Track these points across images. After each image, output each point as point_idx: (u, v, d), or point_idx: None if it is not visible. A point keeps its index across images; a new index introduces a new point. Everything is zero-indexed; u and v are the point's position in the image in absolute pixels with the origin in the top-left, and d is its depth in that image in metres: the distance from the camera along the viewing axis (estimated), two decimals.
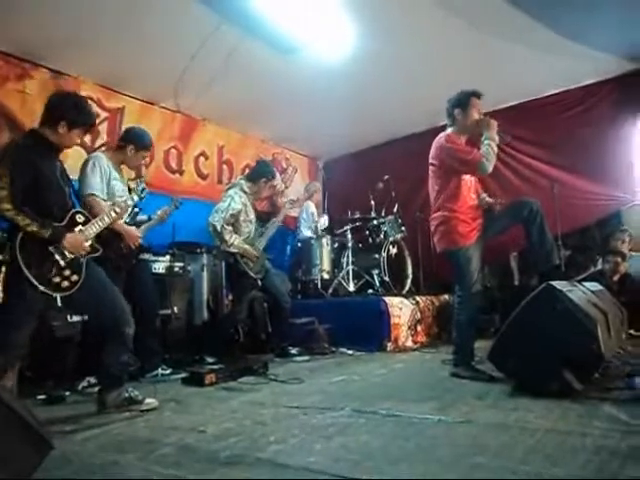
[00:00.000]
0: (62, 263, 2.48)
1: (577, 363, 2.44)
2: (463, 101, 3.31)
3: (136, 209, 3.66)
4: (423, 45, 4.74)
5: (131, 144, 3.68)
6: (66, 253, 2.50)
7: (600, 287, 3.51)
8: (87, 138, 4.97)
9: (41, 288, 2.38)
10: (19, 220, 2.34)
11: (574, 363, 2.44)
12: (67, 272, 2.50)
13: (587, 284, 3.29)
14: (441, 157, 3.30)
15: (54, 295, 2.44)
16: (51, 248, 2.45)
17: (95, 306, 2.71)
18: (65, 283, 2.49)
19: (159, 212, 3.87)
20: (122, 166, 3.75)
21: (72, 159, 4.12)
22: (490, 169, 3.17)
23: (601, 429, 1.94)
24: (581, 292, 2.85)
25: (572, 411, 2.23)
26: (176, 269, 4.68)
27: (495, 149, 3.16)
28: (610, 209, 5.50)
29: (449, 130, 3.39)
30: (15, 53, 4.46)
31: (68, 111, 2.60)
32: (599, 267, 5.31)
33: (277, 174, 5.18)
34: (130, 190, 3.61)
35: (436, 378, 3.29)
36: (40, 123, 2.63)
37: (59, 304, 2.46)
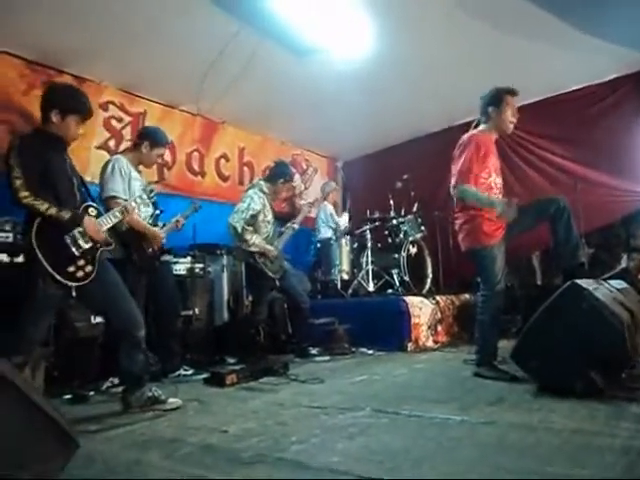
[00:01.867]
0: (77, 253, 2.49)
1: (604, 363, 2.40)
2: (498, 98, 3.25)
3: (157, 211, 3.70)
4: (442, 44, 4.72)
5: (145, 141, 3.73)
6: (80, 243, 2.51)
7: (625, 285, 3.43)
8: (112, 142, 5.08)
9: (56, 276, 2.39)
10: (38, 205, 2.36)
11: (600, 363, 2.39)
12: (81, 262, 2.51)
13: (612, 282, 3.23)
14: (458, 153, 3.27)
15: (69, 284, 2.45)
16: (66, 237, 2.47)
17: (105, 306, 2.73)
18: (80, 273, 2.50)
19: (174, 219, 3.87)
20: (141, 167, 3.80)
21: (95, 164, 4.20)
22: (462, 199, 3.18)
23: (629, 430, 1.89)
24: (607, 290, 2.79)
25: (598, 411, 2.18)
26: (197, 270, 4.73)
27: (491, 208, 3.12)
28: (635, 206, 5.38)
29: (480, 127, 3.35)
30: (40, 61, 4.56)
31: (57, 99, 2.61)
32: (623, 265, 5.20)
33: (296, 175, 5.18)
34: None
35: (458, 378, 3.26)
36: (40, 119, 2.64)
37: (73, 294, 2.47)
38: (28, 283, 2.47)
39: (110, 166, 3.55)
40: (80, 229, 2.51)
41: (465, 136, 3.30)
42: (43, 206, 2.37)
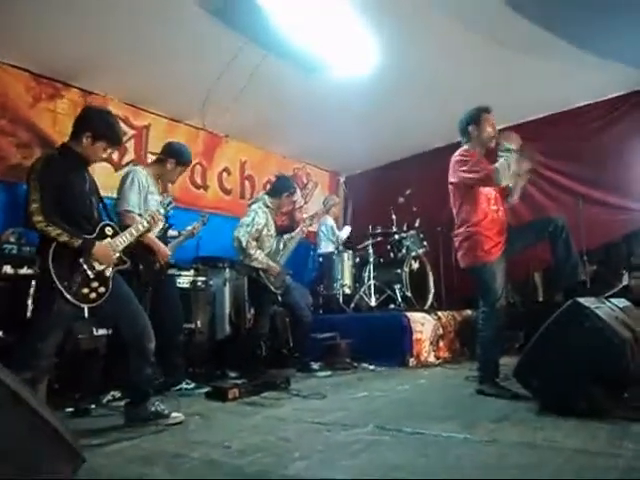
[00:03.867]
0: (91, 275, 2.53)
1: (606, 382, 2.40)
2: (475, 117, 3.35)
3: (166, 224, 3.71)
4: (444, 61, 4.77)
5: (172, 158, 3.75)
6: (95, 265, 2.55)
7: (627, 303, 3.44)
8: (115, 155, 5.11)
9: (70, 299, 2.43)
10: (50, 231, 2.40)
11: (603, 382, 2.40)
12: (95, 284, 2.55)
13: (614, 300, 3.24)
14: (457, 173, 3.32)
15: (82, 306, 2.49)
16: (81, 260, 2.51)
17: (118, 320, 2.75)
18: (93, 295, 2.54)
19: (188, 228, 3.91)
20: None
21: (100, 176, 4.22)
22: (504, 181, 3.18)
23: (632, 450, 1.89)
24: (608, 309, 2.80)
25: (601, 431, 2.19)
26: (199, 284, 4.74)
27: (511, 162, 3.14)
28: (637, 224, 5.40)
29: (465, 147, 3.41)
30: (47, 74, 4.62)
31: (93, 123, 2.67)
32: (625, 282, 5.21)
33: (297, 189, 5.21)
34: None
35: (460, 395, 3.26)
36: (69, 137, 2.71)
37: (86, 315, 2.53)
38: (41, 300, 2.51)
39: (129, 179, 3.55)
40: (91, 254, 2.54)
41: (456, 156, 3.36)
42: (55, 232, 2.41)
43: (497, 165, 3.14)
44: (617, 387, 2.48)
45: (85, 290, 2.51)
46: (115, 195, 3.66)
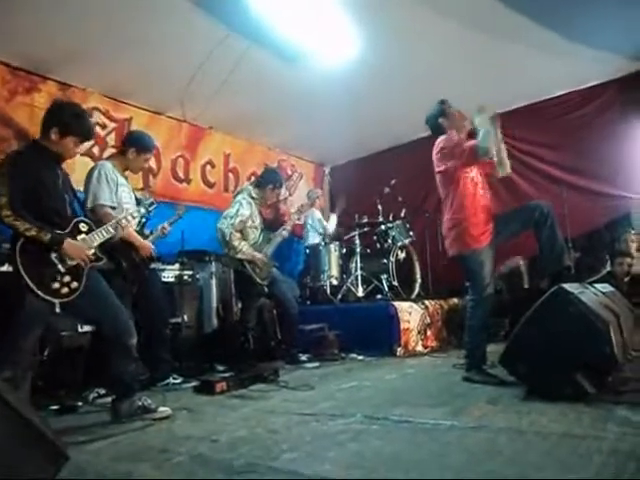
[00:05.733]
0: (62, 269, 2.48)
1: (590, 366, 2.43)
2: (441, 110, 3.43)
3: (143, 219, 3.65)
4: (426, 50, 4.76)
5: (132, 147, 3.67)
6: (66, 259, 2.50)
7: (611, 288, 3.49)
8: (95, 149, 5.03)
9: (40, 294, 2.38)
10: (18, 225, 2.35)
11: (587, 366, 2.42)
12: (67, 279, 2.49)
13: (598, 285, 3.27)
14: (441, 158, 3.32)
15: (53, 301, 2.43)
16: (52, 254, 2.46)
17: (96, 316, 2.70)
18: (64, 289, 2.48)
19: (160, 226, 3.83)
20: (127, 172, 3.74)
21: (80, 171, 4.15)
22: (490, 151, 3.17)
23: (616, 433, 1.92)
24: (593, 294, 2.83)
25: (586, 415, 2.21)
26: (185, 277, 4.69)
27: (490, 129, 3.15)
28: (619, 210, 5.46)
29: (443, 137, 3.43)
30: (24, 67, 4.52)
31: (61, 118, 2.60)
32: (608, 268, 5.28)
33: (283, 184, 5.18)
34: (137, 200, 3.62)
35: (448, 383, 3.28)
36: (39, 132, 2.65)
37: (57, 310, 2.45)
38: (17, 296, 2.45)
39: (96, 173, 3.48)
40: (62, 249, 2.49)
41: (439, 143, 3.39)
42: (23, 226, 2.36)
43: (478, 137, 3.15)
44: (601, 371, 2.51)
45: (56, 285, 2.45)
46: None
